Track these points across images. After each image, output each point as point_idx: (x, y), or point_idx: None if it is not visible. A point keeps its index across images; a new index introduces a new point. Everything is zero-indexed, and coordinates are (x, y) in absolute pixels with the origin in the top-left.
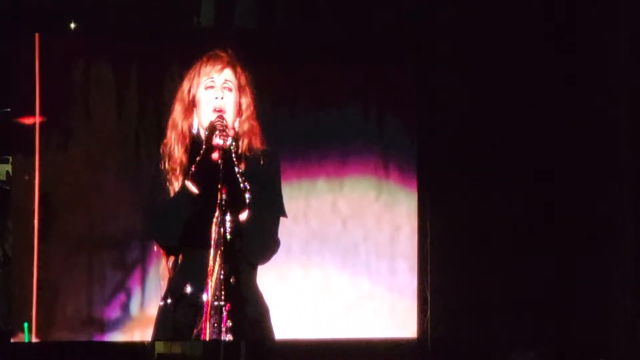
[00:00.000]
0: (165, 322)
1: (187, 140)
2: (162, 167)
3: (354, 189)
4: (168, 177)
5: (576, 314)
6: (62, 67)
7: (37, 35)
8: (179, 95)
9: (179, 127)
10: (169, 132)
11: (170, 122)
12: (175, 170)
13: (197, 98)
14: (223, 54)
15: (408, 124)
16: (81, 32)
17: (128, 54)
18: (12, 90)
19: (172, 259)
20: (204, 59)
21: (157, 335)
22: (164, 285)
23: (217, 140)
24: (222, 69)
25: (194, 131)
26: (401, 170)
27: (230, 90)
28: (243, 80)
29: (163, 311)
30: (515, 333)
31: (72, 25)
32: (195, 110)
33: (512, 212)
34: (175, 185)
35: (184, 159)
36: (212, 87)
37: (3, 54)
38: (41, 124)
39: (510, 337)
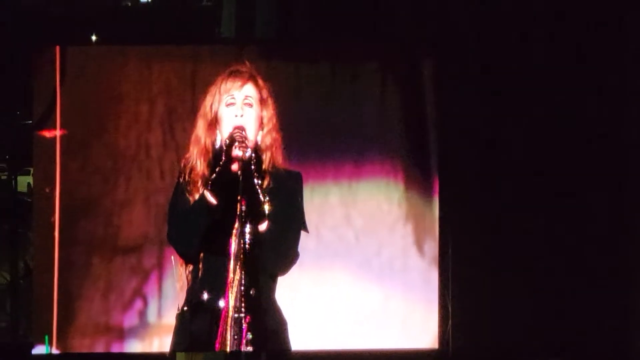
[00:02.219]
0: (183, 330)
1: (210, 154)
2: (183, 180)
3: (369, 195)
4: (189, 188)
5: (599, 322)
6: (83, 79)
7: (57, 47)
8: (201, 111)
9: (202, 142)
10: (191, 147)
11: (193, 138)
12: (197, 182)
13: (219, 115)
14: (244, 69)
15: (428, 126)
16: (101, 44)
17: (147, 66)
18: (33, 102)
19: (190, 267)
20: (225, 75)
21: (174, 344)
22: (182, 294)
23: (236, 152)
24: (243, 85)
25: (217, 146)
26: (420, 175)
27: (250, 105)
28: (265, 93)
29: (180, 320)
30: (538, 342)
31: (94, 38)
32: (218, 127)
33: (535, 219)
34: (196, 196)
35: (206, 172)
36: (232, 104)
37: (24, 66)
38: (62, 136)
39: (532, 346)
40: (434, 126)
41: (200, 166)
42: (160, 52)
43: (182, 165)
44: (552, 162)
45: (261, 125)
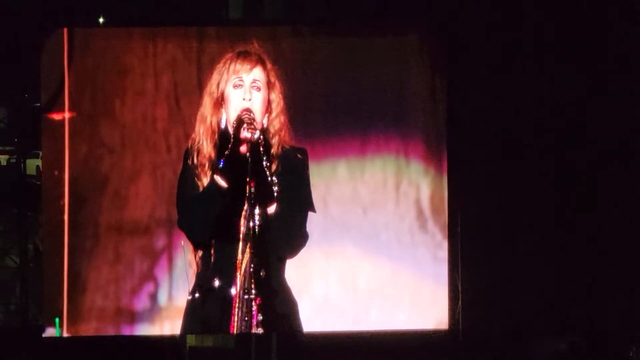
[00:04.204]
0: (194, 315)
1: (216, 135)
2: (191, 163)
3: (376, 171)
4: (197, 172)
5: (607, 303)
6: (90, 61)
7: (65, 30)
8: (207, 89)
9: (208, 121)
10: (197, 126)
11: (199, 116)
12: (204, 165)
13: (225, 94)
14: (252, 50)
15: (437, 102)
16: (109, 26)
17: (155, 46)
18: (41, 85)
19: (200, 252)
20: (233, 54)
21: (185, 329)
22: (192, 279)
23: (244, 134)
24: (252, 68)
25: (222, 126)
26: (428, 150)
27: (258, 89)
28: (272, 77)
29: (191, 305)
30: (547, 323)
31: (101, 20)
32: (223, 105)
33: (546, 199)
34: (204, 180)
35: (213, 154)
36: (240, 86)
37: (32, 49)
38: (70, 118)
39: (542, 327)
40: (443, 102)
41: (206, 148)
42: (167, 31)
43: (189, 146)
44: (563, 142)
45: (269, 109)
